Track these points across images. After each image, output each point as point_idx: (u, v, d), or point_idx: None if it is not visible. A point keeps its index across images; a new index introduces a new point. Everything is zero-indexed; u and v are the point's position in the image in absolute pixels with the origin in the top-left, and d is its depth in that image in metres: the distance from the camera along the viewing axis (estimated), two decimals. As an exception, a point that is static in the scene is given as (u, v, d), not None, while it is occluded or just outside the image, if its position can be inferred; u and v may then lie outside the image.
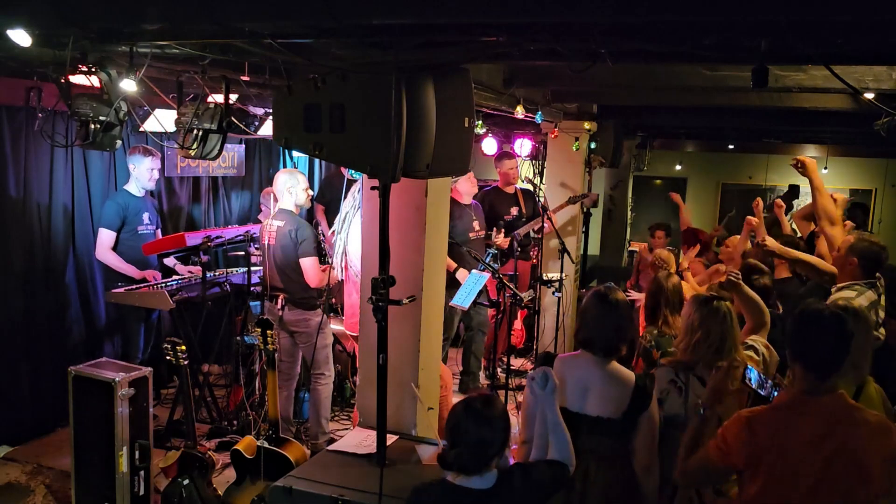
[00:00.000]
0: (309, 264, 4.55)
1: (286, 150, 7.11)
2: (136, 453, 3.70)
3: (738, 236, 5.27)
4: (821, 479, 2.20)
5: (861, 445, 2.19)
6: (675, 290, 3.72)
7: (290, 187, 4.68)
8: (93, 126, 3.21)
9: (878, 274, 3.65)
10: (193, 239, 4.88)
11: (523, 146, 7.68)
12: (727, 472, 2.42)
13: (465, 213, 5.86)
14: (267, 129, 5.06)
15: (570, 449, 2.41)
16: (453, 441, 2.17)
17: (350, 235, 4.47)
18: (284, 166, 7.20)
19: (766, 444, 2.26)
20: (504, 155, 6.75)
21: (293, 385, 4.95)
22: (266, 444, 3.74)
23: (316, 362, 4.71)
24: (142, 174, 5.01)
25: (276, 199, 4.82)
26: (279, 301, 4.66)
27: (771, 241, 4.13)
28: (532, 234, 6.48)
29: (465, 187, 5.91)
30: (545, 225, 6.20)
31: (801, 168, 4.27)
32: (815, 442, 2.21)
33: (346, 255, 4.54)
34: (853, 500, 2.20)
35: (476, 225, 5.96)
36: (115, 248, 4.95)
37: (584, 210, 7.15)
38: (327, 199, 6.54)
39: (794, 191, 9.74)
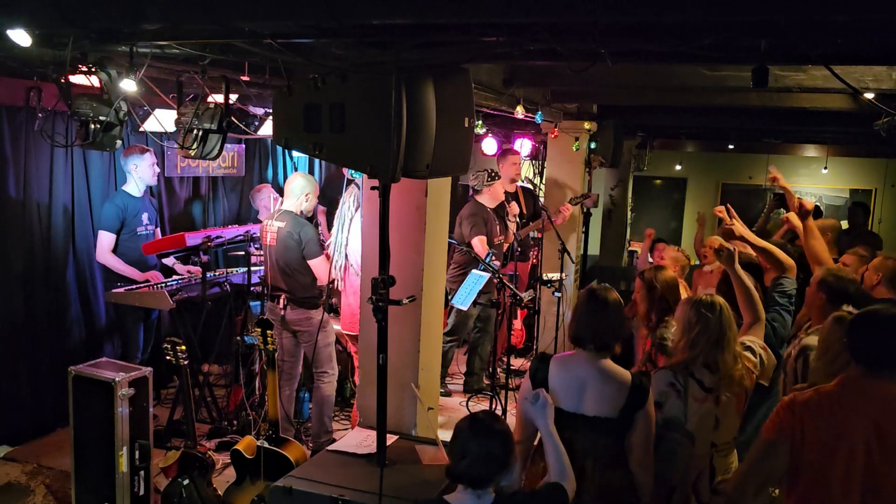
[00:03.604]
0: (318, 263, 4.57)
1: (286, 150, 7.10)
2: (136, 453, 3.70)
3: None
4: (873, 464, 2.20)
5: None
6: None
7: (308, 193, 4.68)
8: (93, 126, 3.21)
9: (847, 308, 3.57)
10: (193, 239, 4.87)
11: (523, 146, 7.68)
12: (772, 455, 2.37)
13: (491, 218, 5.95)
14: (267, 129, 5.06)
15: (565, 465, 2.44)
16: (461, 454, 2.17)
17: (350, 238, 4.48)
18: (284, 166, 7.20)
19: (806, 425, 2.27)
20: (507, 151, 6.74)
21: (295, 385, 4.95)
22: (266, 444, 3.74)
23: (319, 361, 4.72)
24: (145, 171, 5.00)
25: (276, 199, 4.82)
26: (281, 301, 4.66)
27: (739, 225, 4.02)
28: (533, 233, 6.48)
29: (499, 191, 5.99)
30: (544, 224, 6.21)
31: (803, 211, 4.14)
32: (865, 424, 2.21)
33: (346, 259, 4.55)
34: None
35: (497, 230, 6.03)
36: (114, 250, 4.94)
37: (584, 210, 7.14)
38: (328, 199, 6.54)
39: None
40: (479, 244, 5.67)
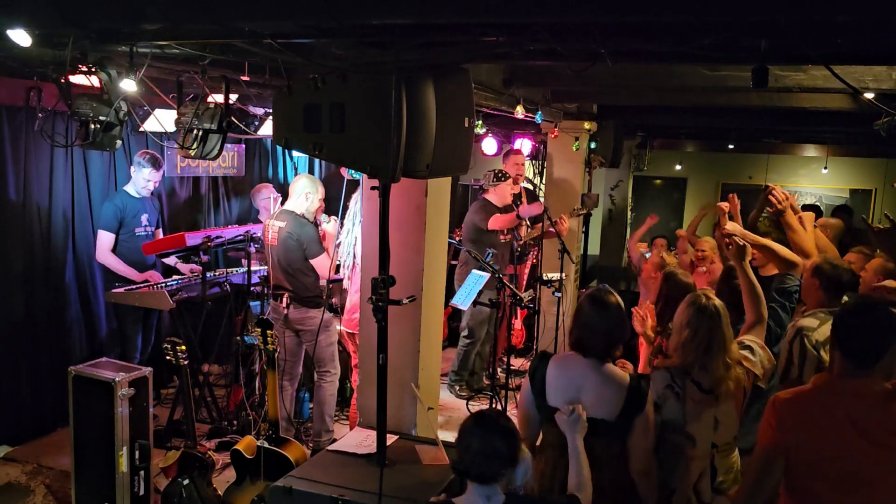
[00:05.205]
0: (320, 262, 4.59)
1: (286, 150, 7.10)
2: (136, 453, 3.70)
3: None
4: (864, 461, 2.19)
5: None
6: None
7: (309, 193, 4.70)
8: (93, 126, 3.21)
9: (844, 299, 3.58)
10: (193, 239, 4.87)
11: (523, 146, 7.68)
12: (773, 463, 2.35)
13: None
14: (267, 129, 5.06)
15: (585, 479, 2.43)
16: (465, 449, 2.18)
17: (359, 238, 4.49)
18: (284, 166, 7.20)
19: (792, 426, 2.27)
20: (510, 152, 6.74)
21: (296, 384, 4.96)
22: (266, 444, 3.74)
23: (321, 360, 4.72)
24: (138, 180, 5.01)
25: (275, 199, 4.81)
26: (284, 299, 4.66)
27: (732, 225, 3.96)
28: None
29: (506, 192, 6.06)
30: (546, 231, 6.22)
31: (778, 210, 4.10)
32: (852, 421, 2.21)
33: (354, 258, 4.56)
34: None
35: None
36: (113, 250, 4.94)
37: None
38: (327, 198, 6.54)
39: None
40: (500, 220, 5.80)
